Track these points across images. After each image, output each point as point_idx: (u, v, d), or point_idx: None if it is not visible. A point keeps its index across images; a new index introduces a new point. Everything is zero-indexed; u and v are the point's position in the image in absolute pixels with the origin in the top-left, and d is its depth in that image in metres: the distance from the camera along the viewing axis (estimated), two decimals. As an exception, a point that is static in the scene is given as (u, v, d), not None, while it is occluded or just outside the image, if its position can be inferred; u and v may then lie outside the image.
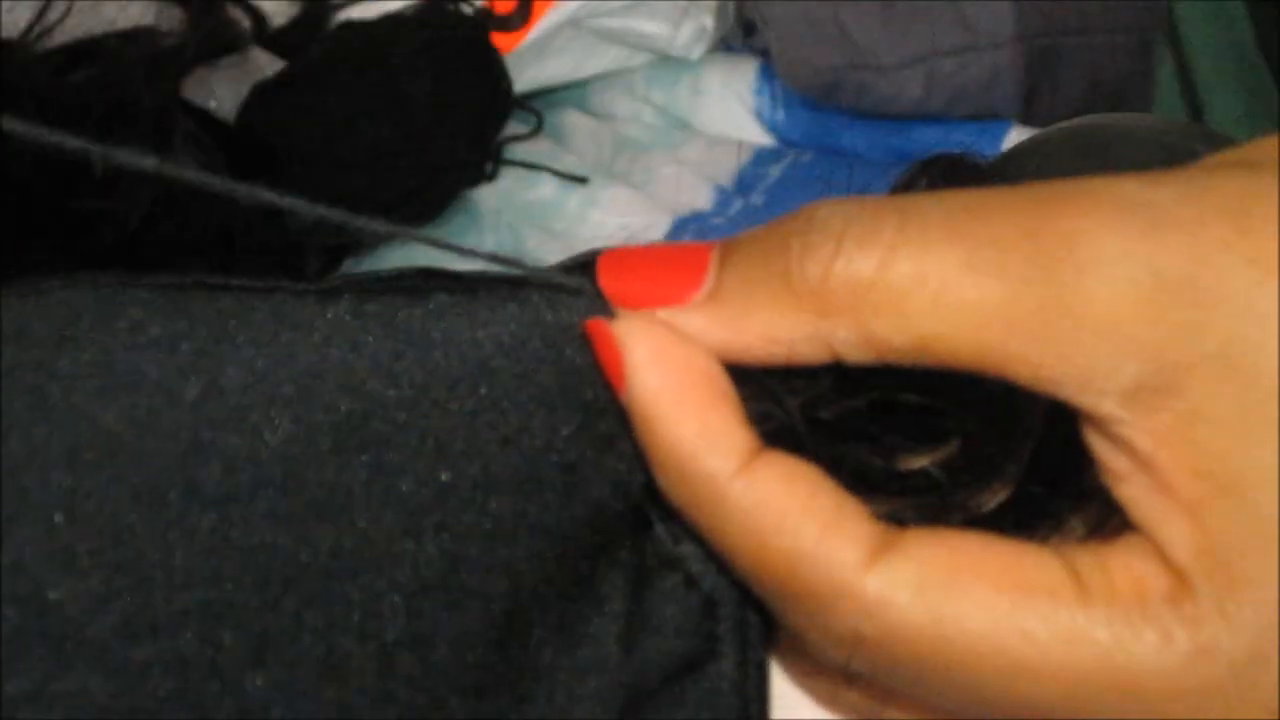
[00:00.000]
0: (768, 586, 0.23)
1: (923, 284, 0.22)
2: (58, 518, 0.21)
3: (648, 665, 0.24)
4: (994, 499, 0.26)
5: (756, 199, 0.87)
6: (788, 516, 0.23)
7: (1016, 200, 0.23)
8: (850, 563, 0.23)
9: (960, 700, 0.23)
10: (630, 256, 0.25)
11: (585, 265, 0.26)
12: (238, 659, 0.21)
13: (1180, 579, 0.22)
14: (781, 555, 0.23)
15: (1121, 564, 0.23)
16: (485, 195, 0.86)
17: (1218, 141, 0.42)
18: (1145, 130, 0.43)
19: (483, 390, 0.24)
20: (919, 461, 0.26)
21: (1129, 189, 0.22)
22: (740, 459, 0.23)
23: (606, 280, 0.25)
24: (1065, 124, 0.47)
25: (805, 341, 0.23)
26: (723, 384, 0.24)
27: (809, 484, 0.23)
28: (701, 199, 0.86)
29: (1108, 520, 0.25)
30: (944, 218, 0.23)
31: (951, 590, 0.22)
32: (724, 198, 0.87)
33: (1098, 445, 0.23)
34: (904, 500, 0.25)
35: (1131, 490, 0.23)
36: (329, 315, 0.24)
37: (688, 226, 0.84)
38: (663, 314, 0.24)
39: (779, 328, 0.23)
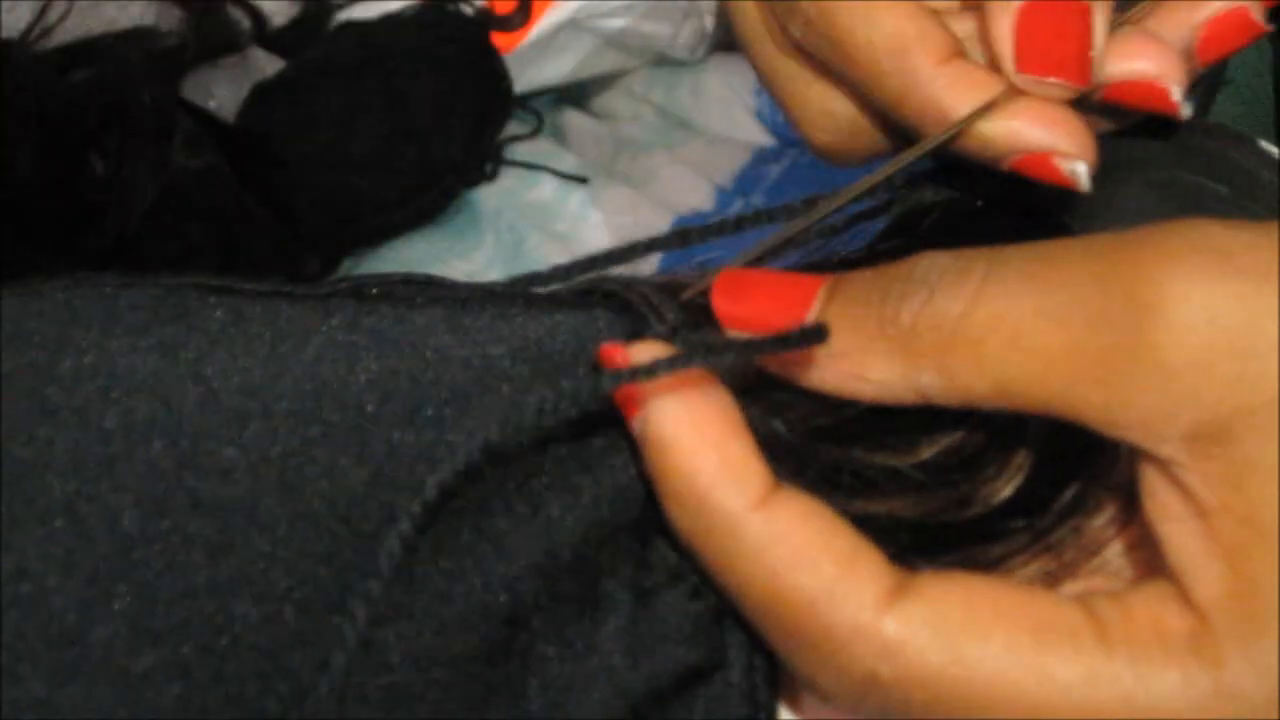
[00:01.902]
0: (780, 625, 0.23)
1: (999, 329, 0.23)
2: (59, 522, 0.21)
3: (655, 675, 0.24)
4: (1006, 487, 0.26)
5: (757, 199, 0.87)
6: (805, 553, 0.23)
7: (1094, 246, 0.23)
8: (867, 602, 0.22)
9: None
10: (744, 280, 0.26)
11: (595, 290, 0.26)
12: (240, 669, 0.21)
13: (1202, 621, 0.22)
14: (797, 592, 0.23)
15: (1141, 606, 0.23)
16: (485, 195, 0.86)
17: (1244, 144, 0.42)
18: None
19: (475, 407, 0.24)
20: (924, 453, 0.26)
21: (1204, 234, 0.22)
22: (758, 493, 0.23)
23: (719, 300, 0.26)
24: None
25: (894, 384, 0.24)
26: (738, 416, 0.24)
27: (826, 523, 0.23)
28: (702, 199, 0.86)
29: (1130, 522, 0.24)
30: (1023, 265, 0.23)
31: (970, 630, 0.22)
32: (724, 198, 0.87)
33: (1149, 478, 0.23)
34: (914, 498, 0.25)
35: (1174, 528, 0.23)
36: (326, 327, 0.24)
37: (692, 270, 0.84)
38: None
39: (870, 368, 0.24)
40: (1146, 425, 0.22)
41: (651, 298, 0.26)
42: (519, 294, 0.26)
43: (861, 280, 0.25)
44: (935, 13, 0.30)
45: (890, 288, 0.24)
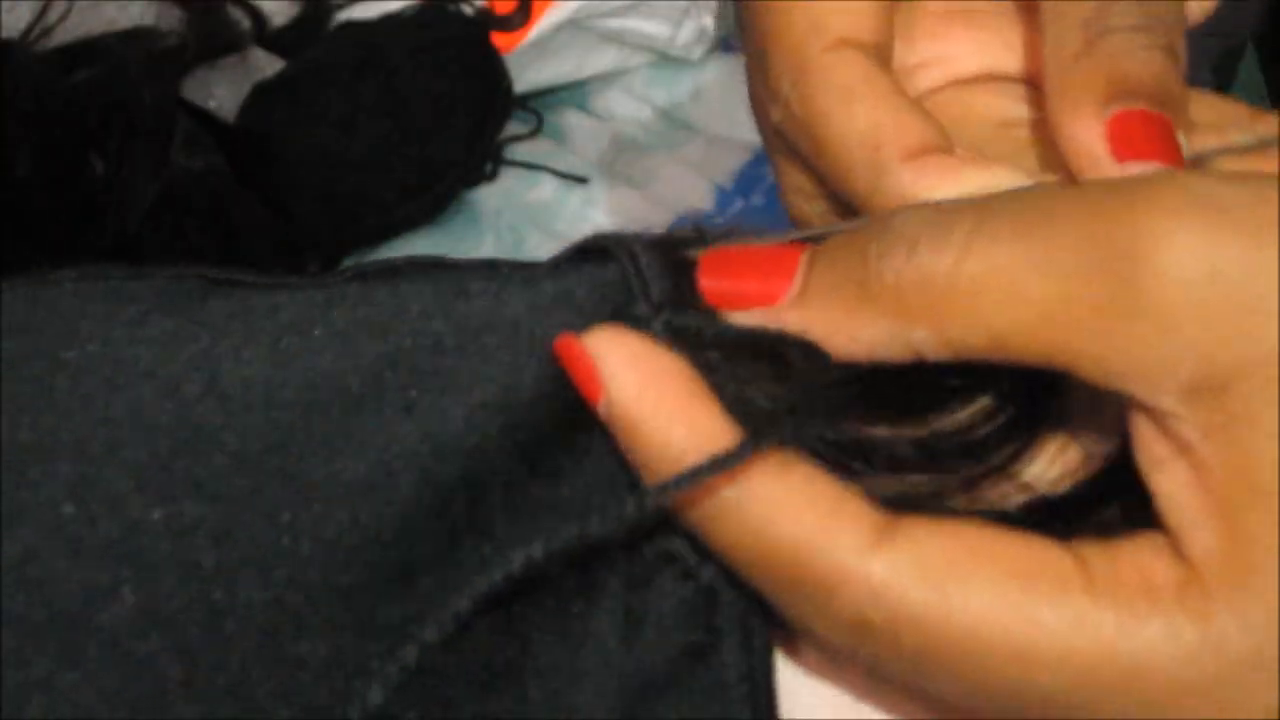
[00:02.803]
0: (769, 579, 0.23)
1: (992, 282, 0.22)
2: (66, 508, 0.21)
3: (650, 659, 0.24)
4: (1051, 471, 0.26)
5: (757, 199, 0.87)
6: (786, 505, 0.23)
7: (1085, 196, 0.23)
8: (853, 547, 0.23)
9: (962, 690, 0.23)
10: (728, 258, 0.26)
11: (584, 253, 0.26)
12: (244, 652, 0.21)
13: (1191, 573, 0.22)
14: (782, 544, 0.23)
15: (1129, 557, 0.23)
16: (485, 195, 0.86)
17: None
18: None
19: (476, 392, 0.24)
20: (944, 425, 0.26)
21: (1200, 186, 0.22)
22: None
23: (706, 280, 0.26)
24: None
25: (886, 343, 0.24)
26: (698, 384, 0.24)
27: (804, 473, 0.23)
28: (702, 199, 0.86)
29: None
30: (1013, 217, 0.23)
31: (957, 573, 0.22)
32: (724, 198, 0.87)
33: (1143, 429, 0.23)
34: (943, 471, 0.25)
35: (1168, 480, 0.23)
36: (326, 318, 0.25)
37: (688, 227, 0.84)
38: (759, 314, 0.25)
39: (859, 330, 0.24)
40: (1145, 376, 0.22)
41: (644, 270, 0.26)
42: (514, 272, 0.26)
43: (838, 243, 0.25)
44: (918, 105, 0.29)
45: (868, 246, 0.24)
